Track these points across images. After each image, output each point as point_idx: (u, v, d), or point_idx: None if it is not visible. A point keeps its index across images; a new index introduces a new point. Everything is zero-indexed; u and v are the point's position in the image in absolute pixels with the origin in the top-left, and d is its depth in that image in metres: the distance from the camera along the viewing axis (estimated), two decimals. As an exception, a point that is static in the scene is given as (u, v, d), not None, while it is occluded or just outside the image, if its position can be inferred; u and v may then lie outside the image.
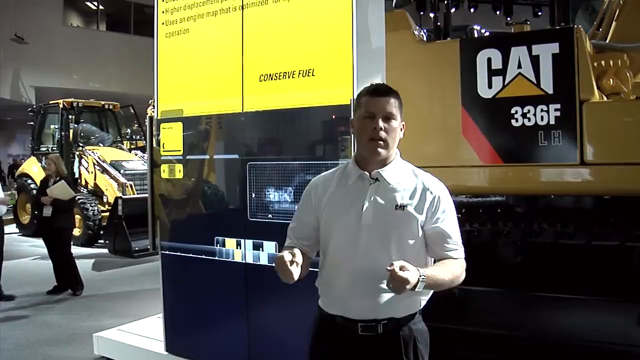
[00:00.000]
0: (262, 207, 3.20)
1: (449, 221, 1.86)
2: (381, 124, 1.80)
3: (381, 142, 1.80)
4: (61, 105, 11.05)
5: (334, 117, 2.97)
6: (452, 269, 1.80)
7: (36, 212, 10.42)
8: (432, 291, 1.88)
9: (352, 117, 2.00)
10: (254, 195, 3.23)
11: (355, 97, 2.74)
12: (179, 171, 3.63)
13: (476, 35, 4.17)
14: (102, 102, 11.98)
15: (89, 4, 19.90)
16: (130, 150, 11.91)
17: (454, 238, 1.86)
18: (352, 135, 2.03)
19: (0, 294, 6.05)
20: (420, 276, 1.67)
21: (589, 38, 4.02)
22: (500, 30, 5.82)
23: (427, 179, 1.89)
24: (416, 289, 1.67)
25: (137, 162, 10.57)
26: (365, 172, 1.85)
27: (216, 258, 3.41)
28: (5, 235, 6.21)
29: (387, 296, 1.76)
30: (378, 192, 1.83)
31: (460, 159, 3.57)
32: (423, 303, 1.90)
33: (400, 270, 1.62)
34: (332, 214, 1.86)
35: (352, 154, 2.76)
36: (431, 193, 1.85)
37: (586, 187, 3.36)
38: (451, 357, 3.34)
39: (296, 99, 3.05)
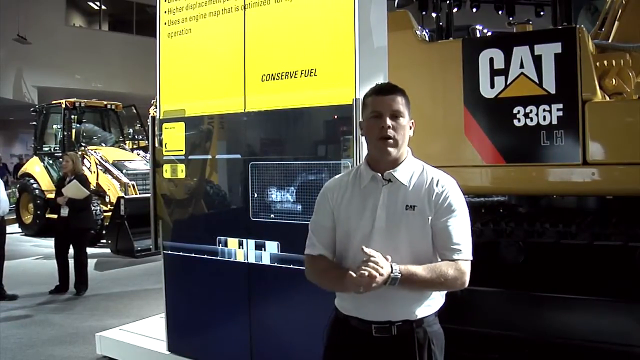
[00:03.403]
0: (265, 207, 3.21)
1: (453, 220, 1.78)
2: (389, 122, 1.78)
3: (390, 141, 1.78)
4: (63, 105, 11.08)
5: (336, 117, 2.97)
6: (441, 270, 1.71)
7: (38, 212, 10.52)
8: (445, 292, 1.85)
9: (360, 119, 1.96)
10: (256, 195, 3.24)
11: (357, 96, 2.75)
12: (181, 171, 3.64)
13: (478, 35, 4.16)
14: (105, 102, 12.00)
15: (91, 4, 19.90)
16: (132, 150, 11.92)
17: (457, 238, 1.76)
18: (363, 137, 1.99)
19: (3, 294, 6.07)
20: (392, 272, 1.64)
21: (592, 38, 4.02)
22: (503, 30, 5.81)
23: (436, 175, 1.84)
24: (387, 285, 1.65)
25: (139, 162, 10.59)
26: (378, 174, 1.83)
27: (218, 258, 3.41)
28: (7, 235, 6.22)
29: (401, 298, 1.74)
30: (390, 193, 1.81)
31: (462, 159, 3.57)
32: (439, 305, 1.87)
33: (364, 265, 1.62)
34: (350, 219, 1.83)
35: (354, 153, 2.79)
36: (438, 189, 1.80)
37: (589, 187, 3.35)
38: (453, 357, 3.33)
39: (298, 98, 3.05)
